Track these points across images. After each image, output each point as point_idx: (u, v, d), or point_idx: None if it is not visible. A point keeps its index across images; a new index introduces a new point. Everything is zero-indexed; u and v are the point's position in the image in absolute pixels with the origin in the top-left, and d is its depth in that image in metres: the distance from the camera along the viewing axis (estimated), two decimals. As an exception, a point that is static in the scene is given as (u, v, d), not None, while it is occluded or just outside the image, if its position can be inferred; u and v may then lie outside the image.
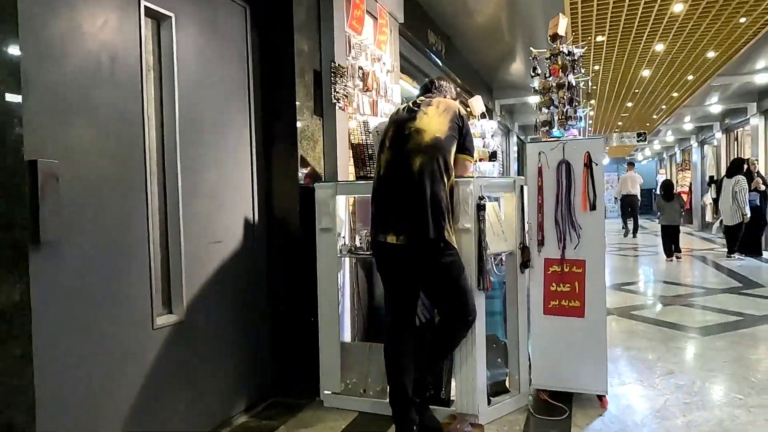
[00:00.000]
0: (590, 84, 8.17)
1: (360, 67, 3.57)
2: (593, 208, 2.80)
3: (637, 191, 13.05)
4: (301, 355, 3.00)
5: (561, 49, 2.95)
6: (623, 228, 13.44)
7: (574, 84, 2.97)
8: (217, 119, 2.67)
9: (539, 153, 2.91)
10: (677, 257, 8.88)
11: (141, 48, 2.20)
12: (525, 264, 2.87)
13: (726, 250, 9.13)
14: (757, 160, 9.37)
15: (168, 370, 2.32)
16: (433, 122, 2.48)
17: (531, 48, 3.07)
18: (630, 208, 13.10)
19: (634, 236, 12.92)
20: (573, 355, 2.85)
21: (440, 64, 6.07)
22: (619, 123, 12.85)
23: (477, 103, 4.09)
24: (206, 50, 2.60)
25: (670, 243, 8.95)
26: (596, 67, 7.17)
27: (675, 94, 9.31)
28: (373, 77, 3.71)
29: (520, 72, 8.23)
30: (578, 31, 5.67)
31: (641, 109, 10.84)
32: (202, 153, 2.56)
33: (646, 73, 7.59)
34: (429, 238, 2.34)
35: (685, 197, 17.94)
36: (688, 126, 14.16)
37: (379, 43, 3.95)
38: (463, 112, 2.59)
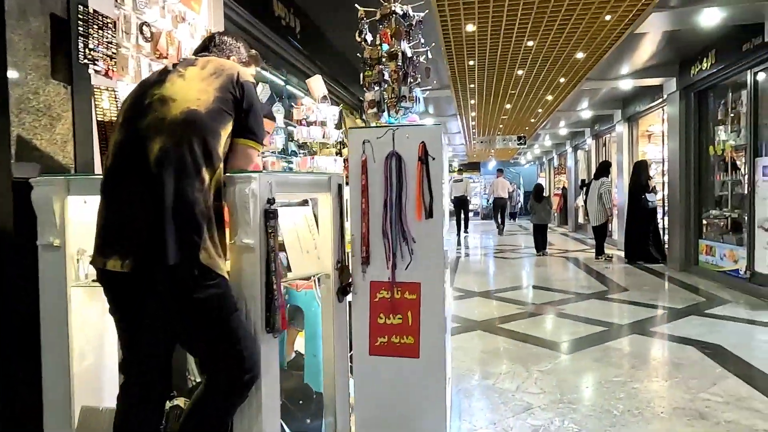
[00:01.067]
0: (460, 77, 7.86)
1: (145, 23, 2.66)
2: (430, 215, 2.17)
3: (505, 195, 15.02)
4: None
5: (393, 9, 2.28)
6: (497, 227, 15.13)
7: (410, 55, 2.32)
8: None
9: (363, 142, 2.21)
10: (544, 253, 9.88)
11: None
12: (344, 290, 2.16)
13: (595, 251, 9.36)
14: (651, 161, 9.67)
15: None
16: (191, 88, 1.67)
17: (356, 5, 2.37)
18: (500, 209, 14.98)
19: (501, 234, 14.62)
20: (406, 406, 2.19)
21: (297, 44, 5.27)
22: (501, 126, 12.99)
23: (316, 84, 3.36)
24: None
25: (541, 239, 10.02)
26: (471, 63, 6.82)
27: (549, 98, 9.38)
28: (168, 39, 2.81)
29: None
30: (447, 18, 5.18)
31: (519, 112, 10.92)
32: None
33: (520, 72, 7.41)
34: (167, 263, 1.52)
35: (558, 199, 19.05)
36: (563, 131, 14.76)
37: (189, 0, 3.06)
38: (246, 78, 1.79)
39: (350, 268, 2.19)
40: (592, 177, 9.58)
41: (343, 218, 2.18)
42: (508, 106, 10.25)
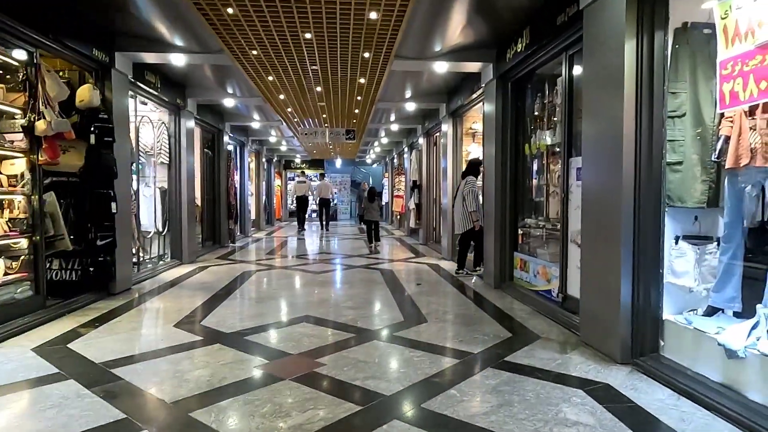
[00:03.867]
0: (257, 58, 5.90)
1: None
2: None
3: (329, 196, 17.23)
4: None
5: None
6: (320, 224, 17.20)
7: None
8: None
9: None
10: (376, 246, 11.39)
11: None
12: None
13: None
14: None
15: None
16: None
17: None
18: (324, 208, 17.04)
19: (327, 230, 16.95)
20: None
21: None
22: (324, 116, 11.35)
23: None
24: None
25: (372, 234, 11.42)
26: (230, 10, 4.89)
27: (362, 81, 7.89)
28: None
29: (155, 11, 5.49)
30: None
31: (336, 98, 9.34)
32: None
33: (308, 35, 5.69)
34: None
35: (401, 201, 18.18)
36: (395, 127, 13.62)
37: None
38: None
39: None
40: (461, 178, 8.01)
41: None
42: (318, 89, 8.55)
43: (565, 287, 5.12)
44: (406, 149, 15.59)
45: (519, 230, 6.64)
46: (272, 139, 16.59)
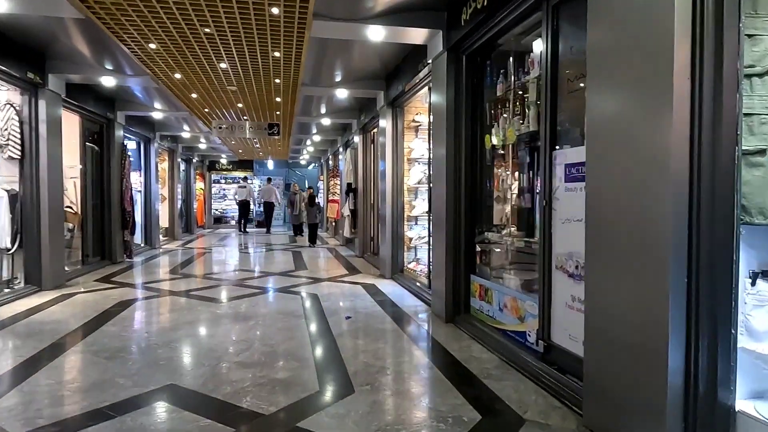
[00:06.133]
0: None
1: None
2: None
3: (273, 199, 18.36)
4: None
5: None
6: (265, 228, 18.34)
7: None
8: None
9: None
10: (313, 245, 13.03)
11: None
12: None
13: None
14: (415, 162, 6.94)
15: None
16: None
17: None
18: (268, 212, 18.36)
19: (268, 231, 17.99)
20: None
21: None
22: (240, 105, 9.49)
23: None
24: None
25: (312, 236, 13.18)
26: None
27: (277, 54, 6.15)
28: None
29: None
30: None
31: (248, 81, 7.53)
32: None
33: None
34: None
35: (337, 206, 16.50)
36: (326, 121, 11.91)
37: None
38: None
39: None
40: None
41: None
42: (223, 65, 6.73)
43: (549, 332, 3.64)
44: (341, 148, 13.93)
45: (477, 246, 5.15)
46: (186, 135, 14.41)
